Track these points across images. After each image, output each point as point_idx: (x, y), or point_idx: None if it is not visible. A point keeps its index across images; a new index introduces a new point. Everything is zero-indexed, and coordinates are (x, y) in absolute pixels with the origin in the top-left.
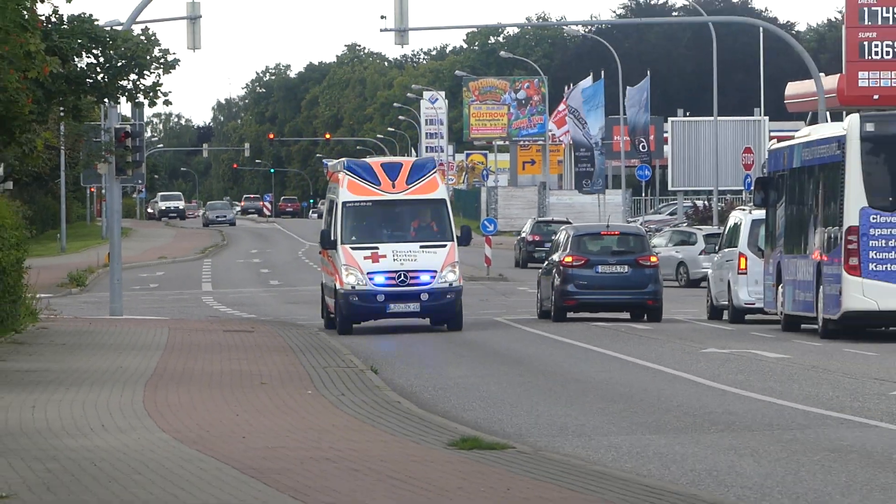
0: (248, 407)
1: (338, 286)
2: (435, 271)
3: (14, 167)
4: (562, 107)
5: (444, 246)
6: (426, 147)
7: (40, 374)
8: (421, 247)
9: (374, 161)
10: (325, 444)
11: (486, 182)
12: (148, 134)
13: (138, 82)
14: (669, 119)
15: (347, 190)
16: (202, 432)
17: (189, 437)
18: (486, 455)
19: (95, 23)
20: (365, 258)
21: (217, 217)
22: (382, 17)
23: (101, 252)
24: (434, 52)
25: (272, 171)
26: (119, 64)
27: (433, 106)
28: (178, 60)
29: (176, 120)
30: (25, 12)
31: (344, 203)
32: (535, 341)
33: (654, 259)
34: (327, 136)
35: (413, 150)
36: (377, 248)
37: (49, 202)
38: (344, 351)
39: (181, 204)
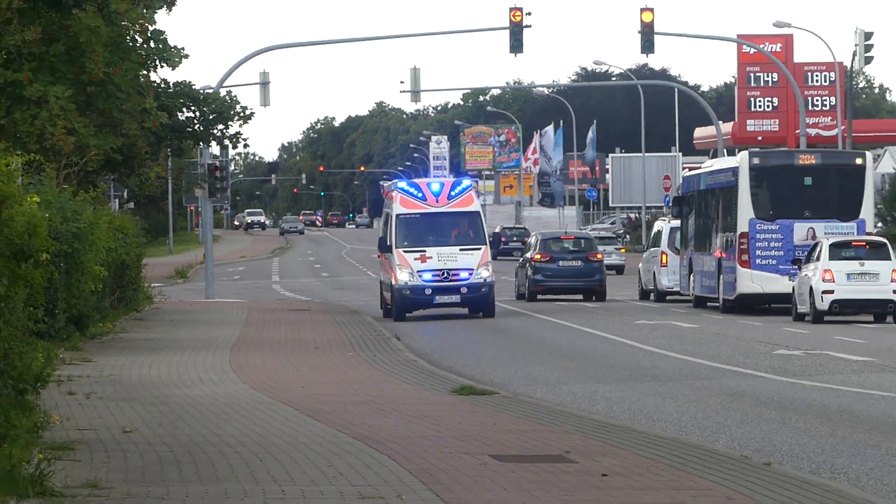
0: (305, 365)
1: (393, 282)
2: (472, 269)
3: (134, 192)
4: (533, 146)
5: (479, 248)
6: (433, 176)
7: (154, 342)
8: (460, 249)
9: (422, 181)
10: (361, 392)
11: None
12: (231, 167)
13: (224, 131)
14: (610, 154)
15: (400, 205)
16: (272, 384)
17: (262, 387)
18: (479, 399)
19: (193, 87)
20: (415, 259)
21: (290, 228)
22: (401, 82)
23: (198, 253)
24: (439, 107)
25: (322, 193)
26: (210, 117)
27: (438, 147)
28: (253, 114)
29: (252, 157)
30: (142, 78)
31: (397, 215)
32: (514, 316)
33: (599, 256)
34: (362, 168)
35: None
36: (424, 251)
37: (160, 217)
38: (375, 324)
39: (262, 218)
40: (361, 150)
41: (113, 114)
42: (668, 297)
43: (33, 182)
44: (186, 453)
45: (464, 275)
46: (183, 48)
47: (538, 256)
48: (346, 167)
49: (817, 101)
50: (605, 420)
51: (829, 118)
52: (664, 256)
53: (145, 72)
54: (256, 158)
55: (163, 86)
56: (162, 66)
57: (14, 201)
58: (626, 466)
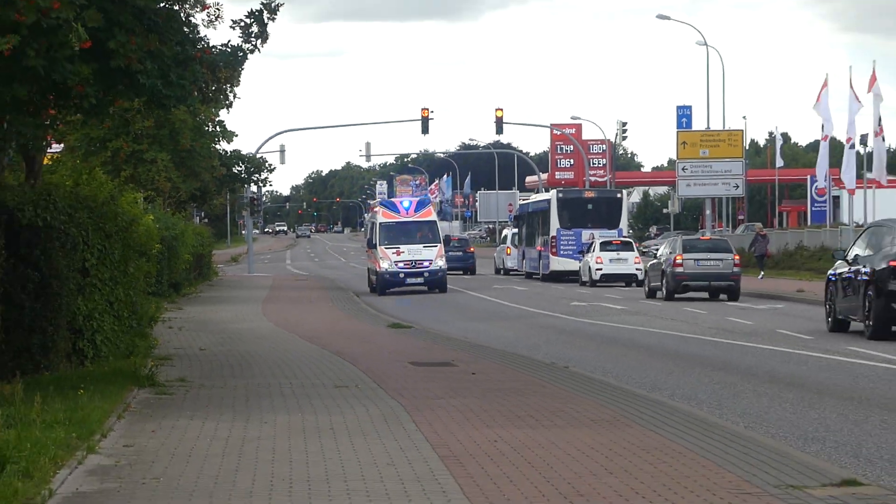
0: (304, 311)
1: (378, 269)
2: (432, 260)
3: (207, 213)
4: (435, 185)
5: (436, 246)
6: (394, 198)
7: (218, 298)
8: (423, 247)
9: (396, 200)
10: (335, 327)
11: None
12: (263, 198)
13: (259, 178)
14: (478, 191)
15: (382, 216)
16: (286, 322)
17: (280, 324)
18: (403, 330)
19: (241, 153)
20: (393, 253)
21: (302, 233)
22: (360, 150)
23: (244, 247)
24: (381, 165)
25: (314, 213)
26: (251, 170)
27: (381, 187)
28: (275, 168)
29: (275, 192)
30: (212, 148)
31: (380, 223)
32: (451, 292)
33: (472, 249)
34: (337, 199)
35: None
36: (399, 247)
37: (222, 226)
38: (347, 288)
39: (285, 227)
40: (337, 189)
41: (195, 169)
42: (511, 273)
43: (149, 208)
44: (236, 361)
45: (426, 264)
46: (234, 131)
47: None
48: (329, 199)
49: (595, 161)
50: (475, 342)
51: (602, 171)
52: (508, 249)
53: (214, 145)
54: (277, 193)
55: (224, 152)
56: (223, 141)
57: (138, 219)
58: (486, 369)
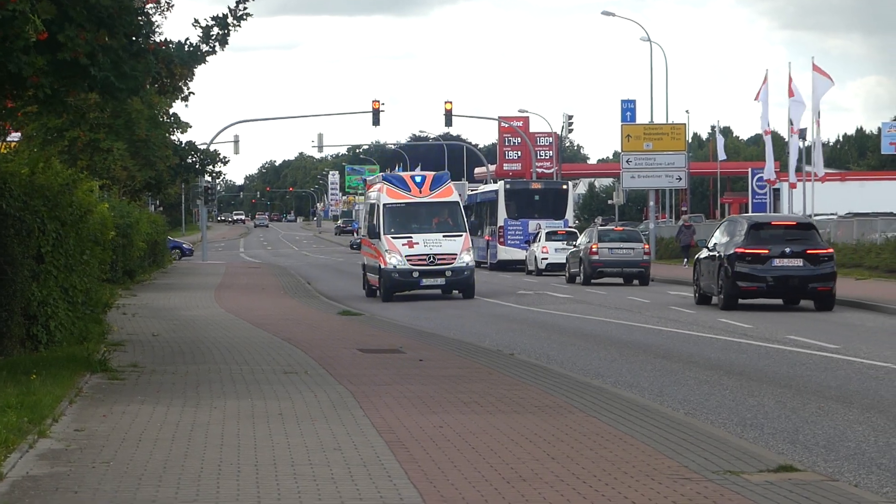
0: (256, 298)
1: (382, 265)
2: (456, 254)
3: (162, 201)
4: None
5: (461, 235)
6: (330, 196)
7: (172, 285)
8: (444, 236)
9: (405, 174)
10: (286, 313)
11: (355, 207)
12: (217, 188)
13: (213, 169)
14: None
15: (387, 195)
16: (238, 309)
17: (232, 311)
18: (353, 318)
19: (195, 144)
20: (403, 245)
21: (259, 222)
22: (312, 141)
23: (199, 236)
24: (334, 155)
25: (268, 203)
26: (205, 160)
27: (333, 178)
28: (229, 160)
29: (229, 181)
30: (167, 138)
31: (385, 204)
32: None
33: None
34: (290, 188)
35: (325, 199)
36: (411, 237)
37: (176, 214)
38: (296, 274)
39: (243, 216)
40: (290, 179)
41: (150, 158)
42: None
43: (104, 196)
44: (188, 347)
45: (448, 259)
46: (189, 122)
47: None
48: (282, 188)
49: (542, 153)
50: (423, 329)
51: (549, 163)
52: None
53: (169, 135)
54: (231, 182)
55: (178, 143)
56: (177, 132)
57: (93, 208)
58: (433, 356)
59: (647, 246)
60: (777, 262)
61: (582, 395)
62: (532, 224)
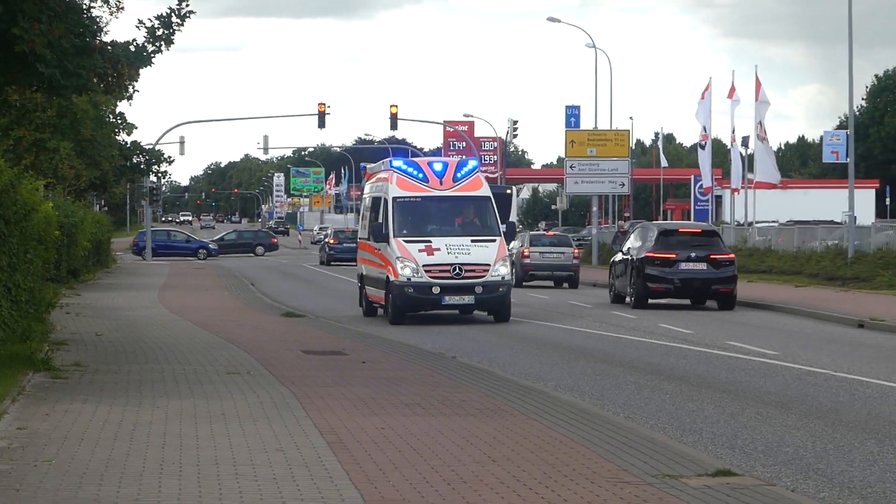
0: (199, 298)
1: (392, 278)
2: (488, 265)
3: (107, 201)
4: (331, 179)
5: (494, 241)
6: (275, 198)
7: (116, 285)
8: (472, 241)
9: (422, 160)
10: (230, 314)
11: (300, 210)
12: (162, 188)
13: (157, 169)
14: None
15: (397, 186)
16: (181, 309)
17: (175, 311)
18: (296, 319)
19: (140, 144)
20: (420, 251)
21: (206, 224)
22: (258, 143)
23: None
24: (279, 157)
25: (213, 204)
26: (151, 160)
27: (278, 179)
28: (174, 160)
29: (174, 182)
30: (112, 138)
31: (395, 198)
32: (318, 273)
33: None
34: (235, 189)
35: (270, 200)
36: (431, 241)
37: (121, 215)
38: (240, 276)
39: (190, 216)
40: (235, 180)
41: (96, 158)
42: None
43: (49, 195)
44: (131, 347)
45: (479, 271)
46: (134, 123)
47: (332, 241)
48: (227, 190)
49: (487, 157)
50: (365, 332)
51: (493, 167)
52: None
53: (114, 135)
54: (176, 183)
55: (124, 143)
56: (123, 133)
57: (37, 207)
58: (376, 358)
59: (577, 251)
60: (683, 265)
61: (523, 399)
62: None
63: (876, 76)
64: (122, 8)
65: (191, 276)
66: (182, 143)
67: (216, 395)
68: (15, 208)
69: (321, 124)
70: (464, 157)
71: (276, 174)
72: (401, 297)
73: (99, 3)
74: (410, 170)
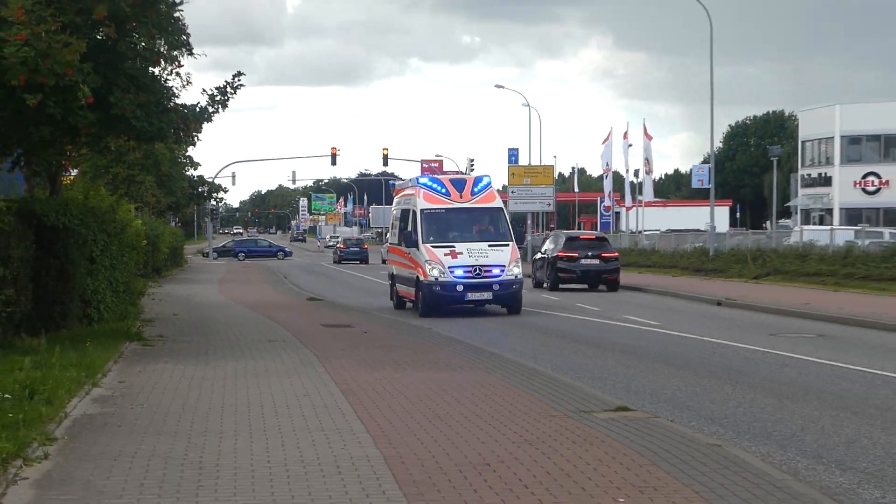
0: (252, 288)
1: (421, 278)
2: (504, 266)
3: (180, 219)
4: (341, 202)
5: (507, 245)
6: (301, 216)
7: (187, 279)
8: (489, 245)
9: (444, 177)
10: (269, 300)
11: (319, 224)
12: (220, 210)
13: (216, 195)
14: (371, 206)
15: (424, 200)
16: (237, 296)
17: (232, 298)
18: (316, 302)
19: (205, 178)
20: (445, 255)
21: (251, 235)
22: (288, 177)
23: (207, 244)
24: (304, 186)
25: (256, 220)
26: (211, 190)
27: (303, 204)
28: (227, 189)
29: (228, 204)
30: (184, 173)
31: (422, 210)
32: (328, 271)
33: (366, 245)
34: (272, 210)
35: (297, 217)
36: (454, 246)
37: (191, 229)
38: (276, 272)
39: (241, 230)
40: (272, 203)
41: (171, 188)
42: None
43: (138, 215)
44: (199, 323)
45: (496, 271)
46: (199, 162)
47: (341, 245)
48: (266, 210)
49: None
50: (366, 308)
51: None
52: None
53: (184, 171)
54: (230, 205)
55: (192, 177)
56: (191, 169)
57: (130, 223)
58: (375, 330)
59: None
60: (583, 261)
61: (480, 358)
62: None
63: (730, 125)
64: (191, 82)
65: (241, 273)
66: (233, 176)
67: (260, 356)
68: (115, 224)
69: (333, 162)
70: (481, 175)
71: (301, 198)
72: (430, 294)
73: (173, 76)
74: (435, 185)
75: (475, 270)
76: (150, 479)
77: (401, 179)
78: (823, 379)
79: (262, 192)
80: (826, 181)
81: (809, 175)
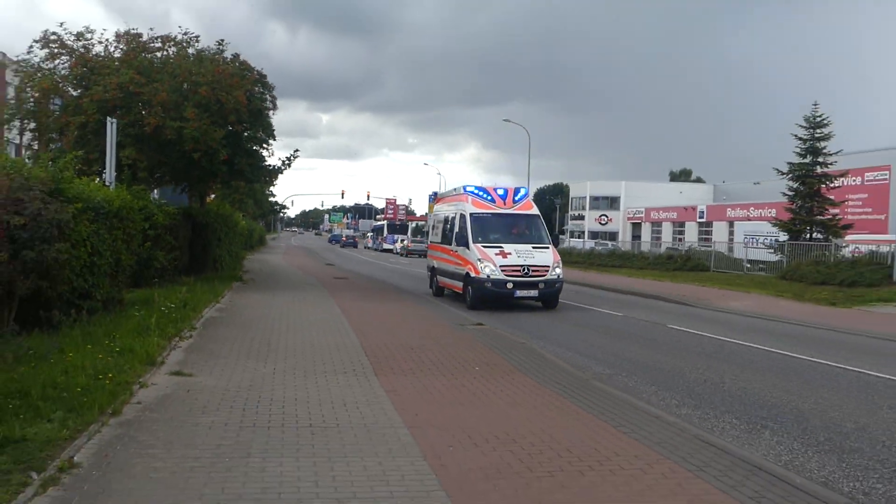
0: (295, 257)
1: (472, 274)
2: (549, 266)
3: (263, 221)
4: (350, 219)
5: (548, 248)
6: (325, 224)
7: (266, 252)
8: (534, 248)
9: (488, 186)
10: (305, 264)
11: (335, 229)
12: (284, 217)
13: (283, 211)
14: (359, 220)
15: (472, 205)
16: (288, 261)
17: (286, 262)
18: (331, 266)
19: (278, 202)
20: (496, 255)
21: (299, 231)
22: (321, 203)
23: (276, 235)
24: (327, 209)
25: (302, 225)
26: (280, 208)
27: (327, 217)
28: (288, 208)
29: (288, 216)
30: (268, 199)
31: (472, 214)
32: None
33: (357, 239)
34: (311, 219)
35: (322, 225)
36: (502, 247)
37: (270, 227)
38: (310, 250)
39: (296, 229)
40: (312, 218)
41: (261, 205)
42: (374, 249)
43: (243, 218)
44: (271, 275)
45: (542, 271)
46: (275, 193)
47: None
48: (308, 220)
49: (400, 212)
50: (356, 272)
51: (403, 215)
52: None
53: (268, 198)
54: (289, 217)
55: (272, 201)
56: (272, 196)
57: (239, 221)
58: (361, 281)
59: None
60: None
61: (422, 300)
62: (397, 236)
63: (537, 188)
64: (273, 153)
65: (293, 251)
66: (293, 202)
67: (301, 290)
68: (230, 220)
69: (342, 197)
70: (518, 185)
71: (325, 215)
72: (480, 289)
73: (266, 152)
74: (482, 193)
75: (524, 270)
76: (242, 350)
77: (377, 208)
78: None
79: (307, 210)
80: (581, 217)
81: (574, 214)
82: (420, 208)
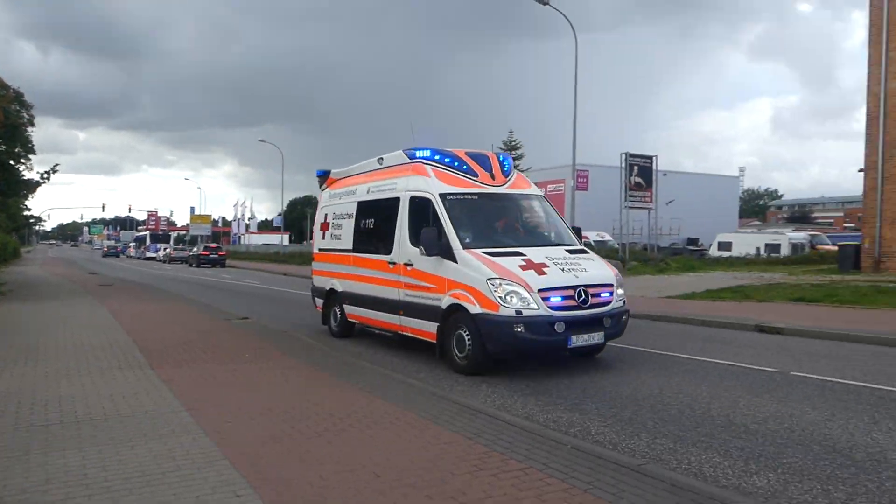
0: (56, 269)
1: (478, 309)
2: (612, 285)
3: (18, 235)
4: None
5: (588, 252)
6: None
7: (22, 265)
8: (568, 251)
9: (457, 150)
10: (66, 273)
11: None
12: (40, 232)
13: (39, 224)
14: (121, 232)
15: (439, 180)
16: (49, 271)
17: (49, 272)
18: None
19: (33, 214)
20: (521, 267)
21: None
22: (80, 216)
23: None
24: (90, 219)
25: (60, 237)
26: (36, 221)
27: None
28: (45, 220)
29: (44, 230)
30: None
31: (443, 196)
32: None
33: (118, 248)
34: (70, 232)
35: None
36: (523, 253)
37: (24, 240)
38: (71, 261)
39: (54, 242)
40: (70, 229)
41: (16, 219)
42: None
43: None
44: (30, 286)
45: (605, 295)
46: (31, 206)
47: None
48: (67, 233)
49: None
50: (128, 278)
51: None
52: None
53: (24, 211)
54: (47, 230)
55: (26, 215)
56: (27, 210)
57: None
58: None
59: None
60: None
61: (183, 297)
62: (160, 245)
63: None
64: (31, 167)
65: (50, 263)
66: (48, 215)
67: (67, 297)
68: None
69: (103, 210)
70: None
71: (84, 228)
72: (502, 338)
73: (23, 167)
74: (448, 161)
75: (579, 294)
76: (9, 357)
77: (140, 221)
78: None
79: (65, 223)
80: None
81: None
82: (181, 219)
